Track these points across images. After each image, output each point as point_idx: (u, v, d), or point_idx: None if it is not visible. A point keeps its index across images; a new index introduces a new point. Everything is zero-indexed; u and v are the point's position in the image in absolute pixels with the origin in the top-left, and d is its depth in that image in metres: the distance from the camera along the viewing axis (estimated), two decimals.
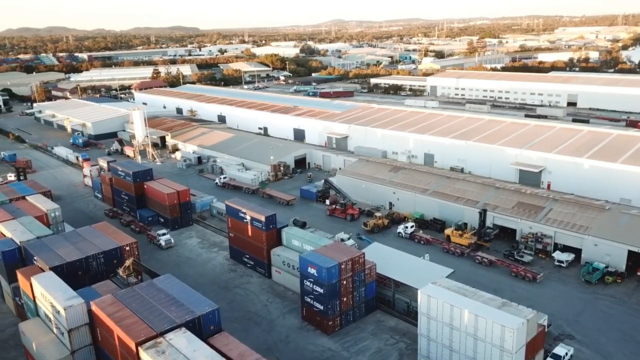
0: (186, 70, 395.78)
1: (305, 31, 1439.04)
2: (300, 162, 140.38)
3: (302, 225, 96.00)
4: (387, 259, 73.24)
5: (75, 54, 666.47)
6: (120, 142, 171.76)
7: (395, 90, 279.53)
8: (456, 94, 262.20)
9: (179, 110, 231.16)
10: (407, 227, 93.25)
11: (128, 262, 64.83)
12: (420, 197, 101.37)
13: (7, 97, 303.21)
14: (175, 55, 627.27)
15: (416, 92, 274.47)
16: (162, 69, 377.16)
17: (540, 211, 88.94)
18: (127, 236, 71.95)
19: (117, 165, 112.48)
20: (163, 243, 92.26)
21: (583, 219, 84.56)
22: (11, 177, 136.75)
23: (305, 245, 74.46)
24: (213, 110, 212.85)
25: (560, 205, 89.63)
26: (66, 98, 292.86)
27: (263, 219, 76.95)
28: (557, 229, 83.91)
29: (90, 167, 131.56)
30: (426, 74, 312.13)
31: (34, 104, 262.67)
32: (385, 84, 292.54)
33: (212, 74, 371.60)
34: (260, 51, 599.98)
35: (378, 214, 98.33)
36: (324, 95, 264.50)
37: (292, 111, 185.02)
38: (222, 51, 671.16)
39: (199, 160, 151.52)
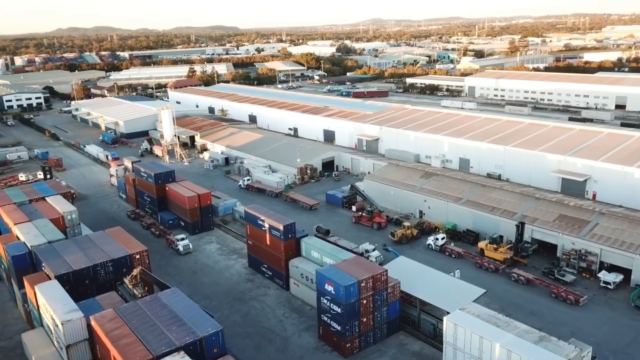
0: (222, 69, 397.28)
1: (343, 30, 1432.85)
2: (329, 165, 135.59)
3: (326, 233, 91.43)
4: (414, 275, 67.65)
5: (117, 53, 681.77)
6: (150, 141, 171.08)
7: (432, 90, 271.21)
8: (495, 95, 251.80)
9: (212, 110, 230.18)
10: (437, 239, 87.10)
11: (135, 272, 61.54)
12: (452, 206, 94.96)
13: (48, 95, 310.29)
14: (213, 54, 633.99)
15: (453, 93, 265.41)
16: (198, 68, 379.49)
17: (584, 225, 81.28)
18: (139, 243, 68.75)
19: (140, 166, 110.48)
20: (181, 249, 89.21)
21: (633, 235, 76.58)
22: (41, 175, 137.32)
23: (324, 258, 69.69)
24: (244, 110, 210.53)
25: (607, 220, 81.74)
26: (103, 96, 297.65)
27: (281, 227, 72.57)
28: (603, 246, 76.19)
29: (116, 167, 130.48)
30: (464, 74, 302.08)
31: (72, 102, 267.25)
32: (421, 83, 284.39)
33: (247, 73, 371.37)
34: (296, 50, 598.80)
35: (407, 224, 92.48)
36: (357, 95, 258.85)
37: (323, 112, 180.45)
38: (259, 50, 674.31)
39: (227, 161, 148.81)
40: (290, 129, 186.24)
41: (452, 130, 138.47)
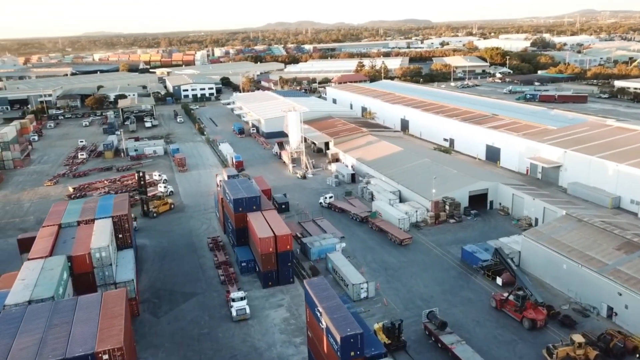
0: (394, 63, 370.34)
1: (544, 23, 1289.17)
2: (478, 200, 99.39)
3: (441, 327, 59.12)
4: None
5: (302, 46, 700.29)
6: (281, 145, 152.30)
7: None
8: None
9: (364, 111, 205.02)
10: None
11: None
12: None
13: (220, 86, 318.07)
14: (394, 48, 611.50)
15: None
16: (367, 62, 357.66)
17: None
18: (119, 332, 45.52)
19: (225, 184, 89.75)
20: (234, 313, 65.26)
21: None
22: (156, 175, 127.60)
23: None
24: (396, 112, 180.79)
25: None
26: (268, 89, 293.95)
27: (339, 338, 43.36)
28: None
29: (222, 175, 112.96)
30: None
31: (233, 94, 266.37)
32: (635, 88, 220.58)
33: (419, 68, 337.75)
34: (484, 44, 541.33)
35: (578, 338, 54.62)
36: (544, 98, 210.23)
37: (489, 121, 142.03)
38: (443, 44, 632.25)
39: (353, 177, 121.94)
40: (445, 139, 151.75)
41: None
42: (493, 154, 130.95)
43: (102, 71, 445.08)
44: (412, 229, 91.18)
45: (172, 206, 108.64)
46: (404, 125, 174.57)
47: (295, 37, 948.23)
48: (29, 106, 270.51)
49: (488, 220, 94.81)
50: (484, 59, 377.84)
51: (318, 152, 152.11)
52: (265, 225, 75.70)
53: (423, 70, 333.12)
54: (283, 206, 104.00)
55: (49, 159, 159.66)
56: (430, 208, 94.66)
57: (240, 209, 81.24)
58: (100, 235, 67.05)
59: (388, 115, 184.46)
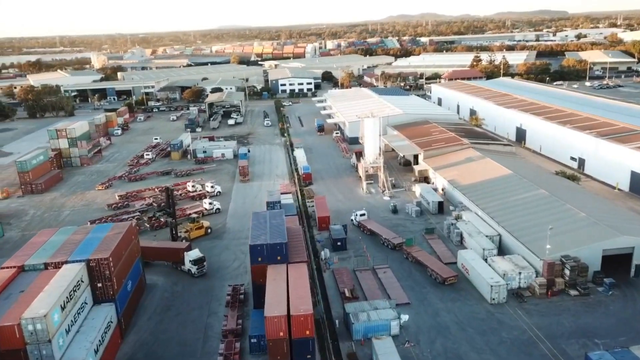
0: (517, 58, 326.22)
1: None
2: (618, 262, 67.37)
3: None
4: None
5: (418, 38, 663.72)
6: (359, 155, 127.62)
7: None
8: None
9: (473, 114, 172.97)
10: None
11: None
12: None
13: (319, 81, 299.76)
14: (520, 41, 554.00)
15: None
16: (484, 56, 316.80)
17: None
18: None
19: (253, 217, 67.99)
20: None
21: None
22: (209, 186, 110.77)
23: None
24: (511, 119, 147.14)
25: None
26: (367, 85, 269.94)
27: None
28: None
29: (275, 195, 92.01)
30: None
31: (328, 91, 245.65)
32: None
33: (546, 64, 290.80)
34: (631, 37, 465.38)
35: None
36: None
37: (637, 139, 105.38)
38: (579, 36, 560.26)
39: (440, 207, 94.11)
40: (573, 158, 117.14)
41: None
42: None
43: (212, 63, 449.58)
44: (510, 299, 62.78)
45: (209, 230, 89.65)
46: (520, 135, 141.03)
47: (415, 30, 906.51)
48: (133, 97, 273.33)
49: (632, 297, 63.16)
50: (631, 54, 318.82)
51: (405, 165, 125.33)
52: (281, 293, 52.75)
53: (552, 67, 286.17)
54: (339, 243, 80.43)
55: (119, 157, 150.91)
56: (541, 270, 65.18)
57: (260, 259, 59.17)
58: (47, 296, 48.69)
59: (500, 121, 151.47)
